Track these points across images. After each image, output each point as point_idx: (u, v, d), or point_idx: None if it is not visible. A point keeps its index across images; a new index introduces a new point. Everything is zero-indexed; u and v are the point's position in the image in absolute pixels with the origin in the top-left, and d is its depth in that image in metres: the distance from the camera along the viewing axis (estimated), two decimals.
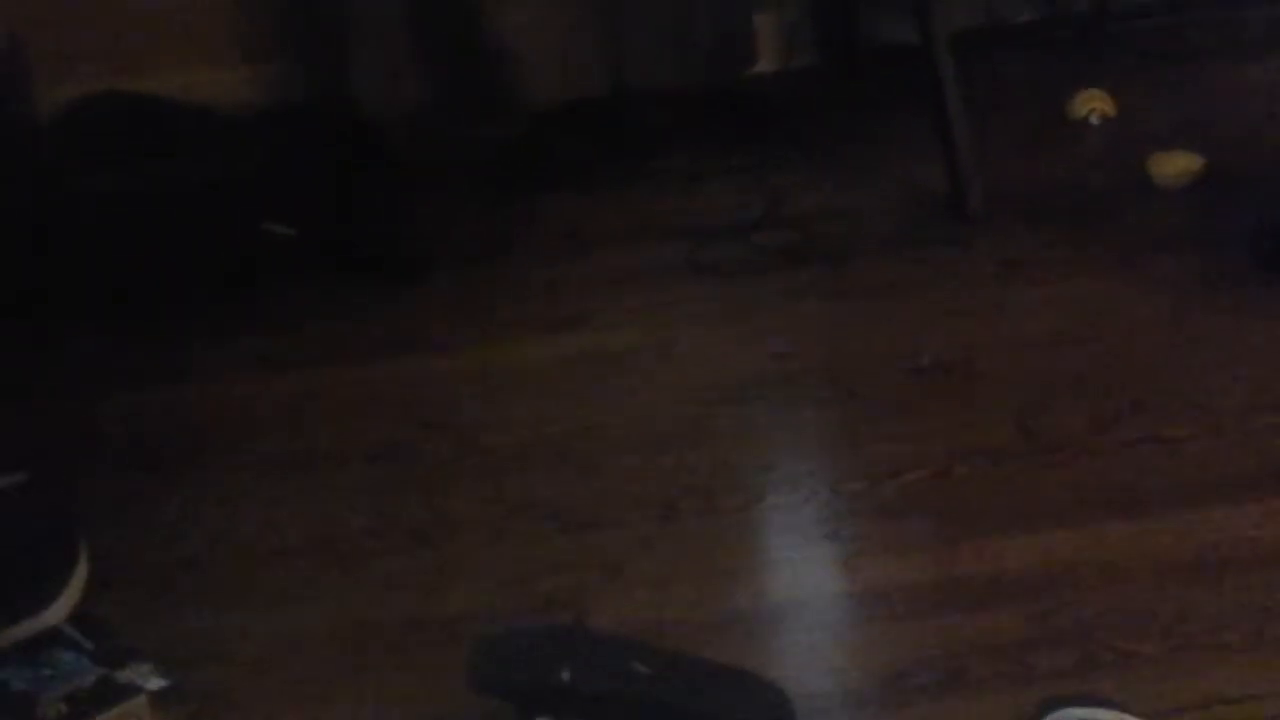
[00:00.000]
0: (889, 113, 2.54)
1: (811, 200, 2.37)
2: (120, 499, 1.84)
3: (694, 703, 1.46)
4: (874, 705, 1.50)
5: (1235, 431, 1.80)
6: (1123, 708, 1.41)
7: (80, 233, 2.20)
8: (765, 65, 2.65)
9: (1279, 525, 1.66)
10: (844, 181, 2.41)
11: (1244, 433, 1.80)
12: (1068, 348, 1.98)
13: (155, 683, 1.55)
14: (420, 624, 1.63)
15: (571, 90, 2.49)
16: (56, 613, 1.61)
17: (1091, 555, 1.64)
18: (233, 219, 2.26)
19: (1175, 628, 1.54)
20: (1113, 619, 1.56)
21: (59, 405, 2.02)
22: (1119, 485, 1.74)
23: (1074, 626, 1.55)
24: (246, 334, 2.15)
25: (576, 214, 2.37)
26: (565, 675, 1.44)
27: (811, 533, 1.74)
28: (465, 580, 1.69)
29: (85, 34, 2.46)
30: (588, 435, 1.90)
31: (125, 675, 1.55)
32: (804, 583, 1.67)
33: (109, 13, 2.50)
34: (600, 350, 2.06)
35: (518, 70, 2.45)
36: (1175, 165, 2.32)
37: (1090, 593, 1.59)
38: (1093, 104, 2.51)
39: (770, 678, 1.50)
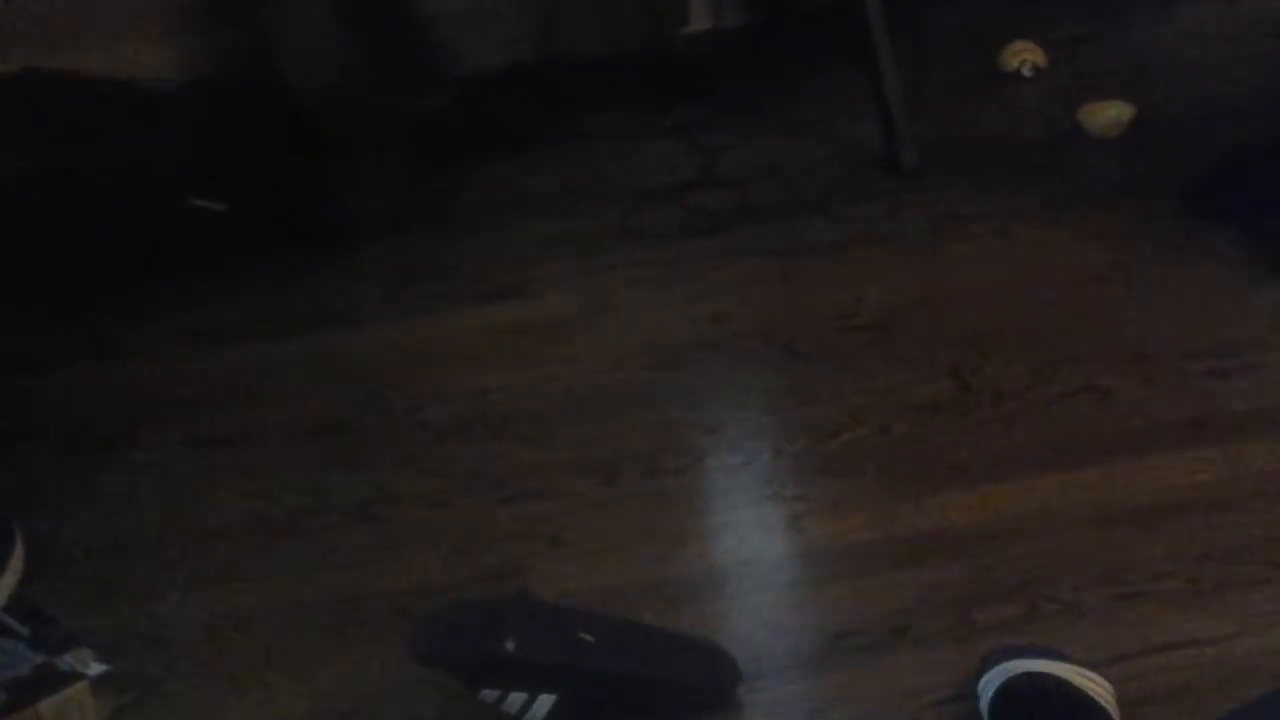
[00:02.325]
0: (821, 70, 2.54)
1: (745, 160, 2.36)
2: (53, 482, 1.83)
3: (640, 668, 1.46)
4: (819, 664, 1.50)
5: (1170, 380, 1.81)
6: (1066, 657, 1.42)
7: (5, 214, 2.17)
8: (696, 25, 2.63)
9: (1215, 472, 1.67)
10: (777, 140, 2.40)
11: (1179, 381, 1.81)
12: (1003, 300, 1.99)
13: (96, 668, 1.54)
14: (362, 600, 1.62)
15: (501, 56, 2.47)
16: None
17: (1031, 507, 1.65)
18: (161, 195, 2.24)
19: (1116, 576, 1.55)
20: (1054, 570, 1.56)
21: None
22: (1057, 436, 1.75)
23: (1016, 579, 1.56)
24: (179, 311, 2.13)
25: (509, 181, 2.36)
26: (510, 646, 1.44)
27: (754, 494, 1.74)
28: (406, 554, 1.68)
29: (4, 12, 2.42)
30: (527, 404, 1.89)
31: (65, 661, 1.54)
32: (747, 544, 1.67)
33: None
34: (537, 317, 2.05)
35: (446, 37, 2.43)
36: (1107, 115, 2.33)
37: (1031, 544, 1.60)
38: (1024, 55, 2.51)
39: (715, 640, 1.50)
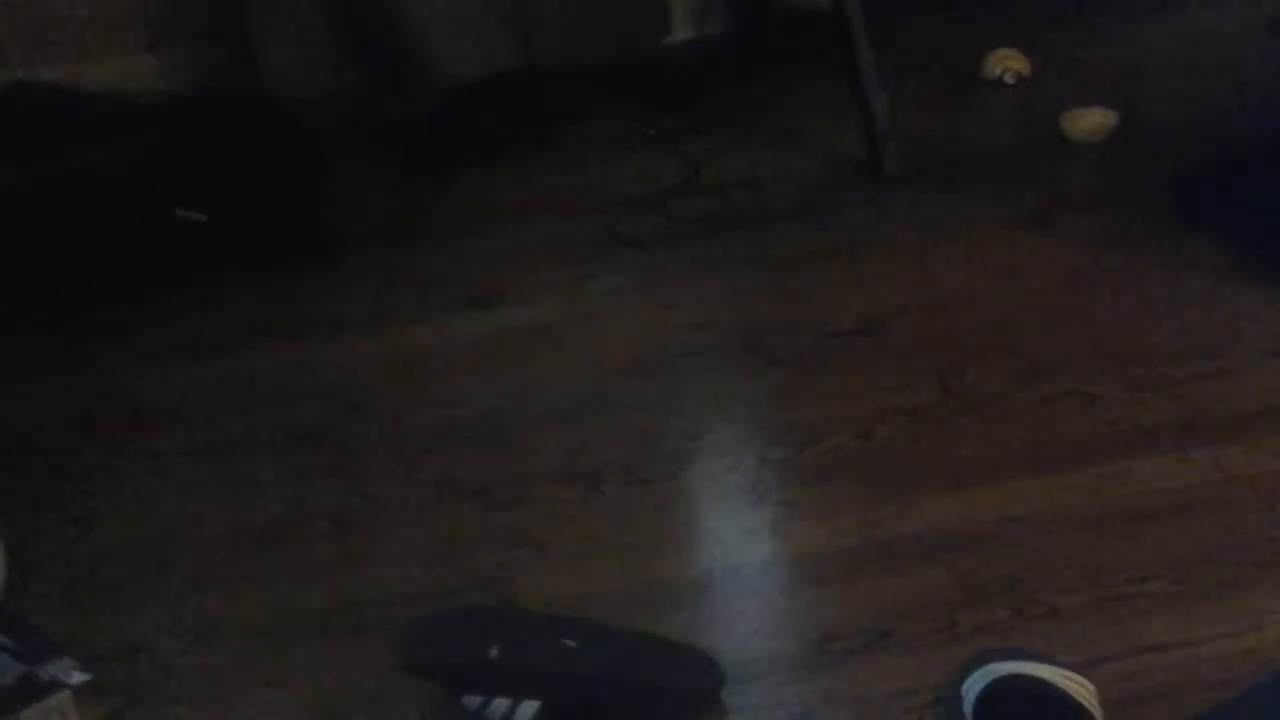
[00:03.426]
0: (804, 78, 2.54)
1: (728, 168, 2.36)
2: (34, 491, 1.82)
3: (624, 675, 1.46)
4: (803, 668, 1.50)
5: (1153, 383, 1.81)
6: (1050, 660, 1.42)
7: None
8: (679, 34, 2.64)
9: (1198, 475, 1.67)
10: (760, 148, 2.40)
11: (1162, 384, 1.81)
12: (987, 306, 1.99)
13: (78, 677, 1.53)
14: (343, 609, 1.61)
15: (483, 66, 2.47)
16: None
17: (1015, 510, 1.65)
18: (145, 207, 2.23)
19: (1100, 579, 1.55)
20: (1038, 573, 1.56)
21: None
22: (1040, 440, 1.75)
23: (1000, 582, 1.56)
24: (162, 321, 2.13)
25: (492, 189, 2.36)
26: (494, 653, 1.44)
27: (738, 500, 1.74)
28: (388, 563, 1.67)
29: None
30: (510, 411, 1.89)
31: (47, 671, 1.53)
32: (731, 550, 1.67)
33: (12, 5, 2.47)
34: (520, 325, 2.05)
35: (428, 47, 2.43)
36: (1090, 122, 2.33)
37: (1015, 548, 1.60)
38: (1006, 63, 2.52)
39: (700, 646, 1.50)
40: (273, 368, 2.01)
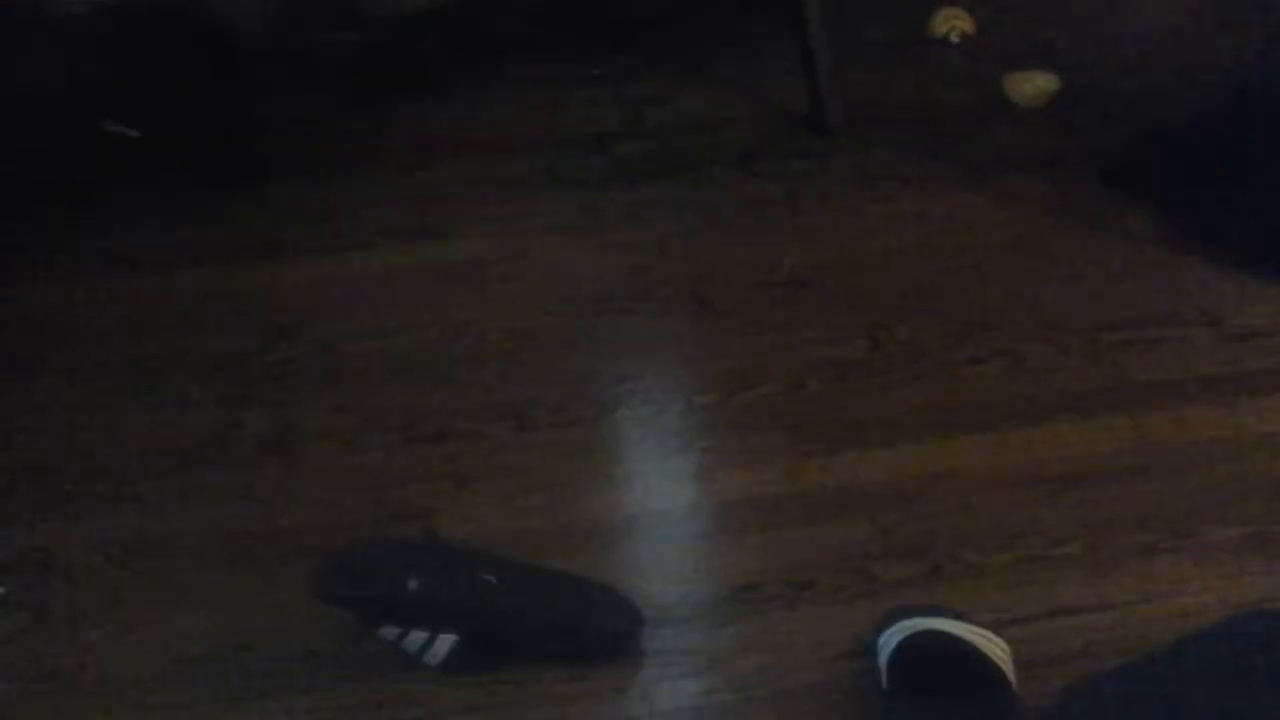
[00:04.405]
0: (750, 27, 2.53)
1: (670, 113, 2.35)
2: None
3: (543, 612, 1.46)
4: (723, 615, 1.51)
5: (1081, 348, 1.83)
6: (966, 618, 1.43)
7: None
8: None
9: (1121, 440, 1.69)
10: (703, 94, 2.39)
11: (1090, 350, 1.82)
12: (921, 264, 1.99)
13: None
14: (265, 534, 1.60)
15: None
16: None
17: (939, 469, 1.66)
18: (75, 120, 2.19)
19: (1019, 540, 1.56)
20: (958, 531, 1.58)
21: None
22: (968, 400, 1.76)
23: (920, 538, 1.57)
24: (91, 237, 2.10)
25: (431, 122, 2.34)
26: (413, 585, 1.43)
27: (664, 445, 1.74)
28: (312, 491, 1.66)
29: None
30: (441, 345, 1.88)
31: None
32: (656, 494, 1.67)
33: None
34: (455, 259, 2.04)
35: None
36: (1032, 85, 2.34)
37: (937, 505, 1.61)
38: (953, 22, 2.52)
39: (620, 588, 1.50)
40: (202, 289, 1.99)
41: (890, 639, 1.41)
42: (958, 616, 1.43)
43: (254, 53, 2.37)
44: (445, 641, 1.43)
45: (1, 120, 2.13)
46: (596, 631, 1.47)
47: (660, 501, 1.66)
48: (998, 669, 1.38)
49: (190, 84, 2.26)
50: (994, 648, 1.40)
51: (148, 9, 2.40)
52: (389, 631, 1.44)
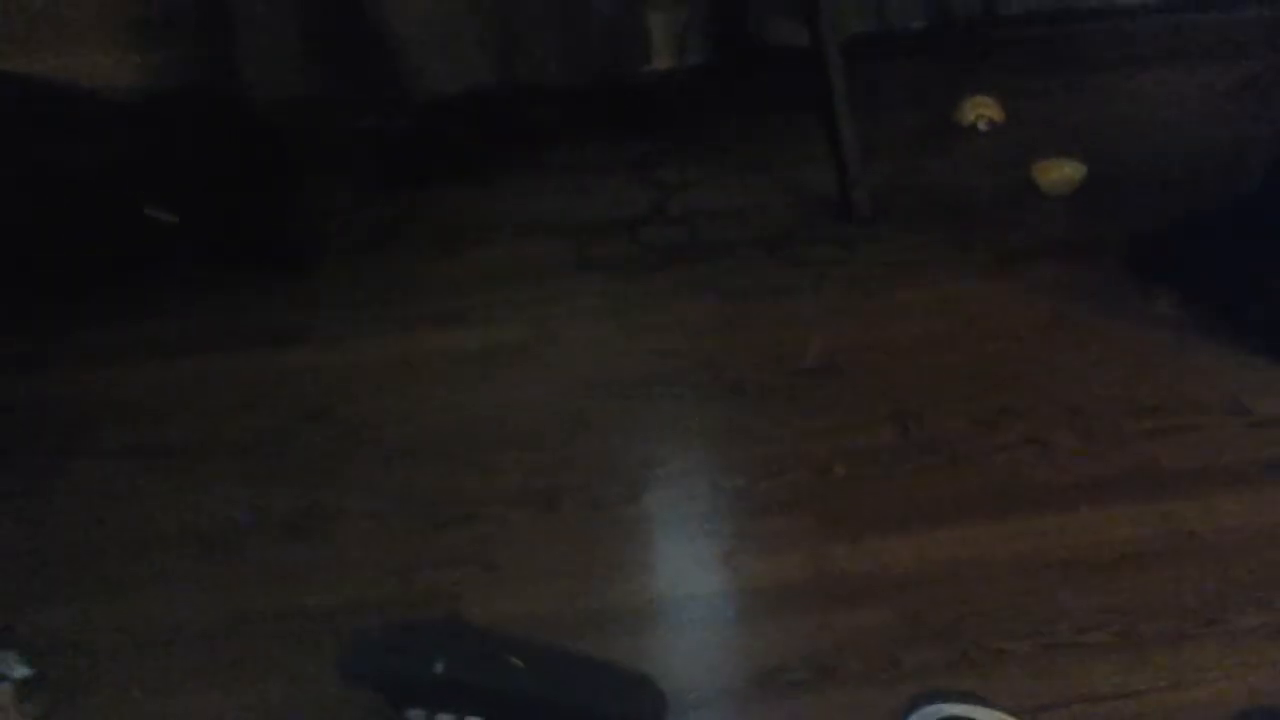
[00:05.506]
0: (779, 113, 2.56)
1: (699, 198, 2.37)
2: None
3: (568, 697, 1.46)
4: (748, 700, 1.51)
5: (1107, 435, 1.83)
6: (992, 704, 1.42)
7: None
8: (658, 63, 2.65)
9: (1147, 529, 1.68)
10: (732, 180, 2.42)
11: (1116, 437, 1.82)
12: (948, 350, 2.00)
13: (20, 671, 1.52)
14: (293, 616, 1.61)
15: (461, 82, 2.47)
16: None
17: (965, 555, 1.66)
18: (115, 204, 2.23)
19: (1045, 627, 1.56)
20: (984, 618, 1.57)
21: None
22: (994, 486, 1.76)
23: (946, 624, 1.57)
24: (128, 321, 2.13)
25: (464, 207, 2.36)
26: (439, 668, 1.44)
27: (691, 529, 1.74)
28: (341, 573, 1.67)
29: None
30: (470, 429, 1.89)
31: None
32: (682, 579, 1.68)
33: None
34: (486, 344, 2.06)
35: (407, 60, 2.43)
36: (1059, 173, 2.35)
37: (963, 591, 1.61)
38: (981, 110, 2.54)
39: (645, 673, 1.50)
40: (236, 372, 2.01)
41: None
42: (985, 703, 1.43)
43: (289, 136, 2.41)
44: None
45: (46, 203, 2.17)
46: (622, 716, 1.47)
47: (686, 586, 1.67)
48: None
49: (231, 170, 2.30)
50: None
51: (191, 95, 2.45)
52: (416, 714, 1.44)
